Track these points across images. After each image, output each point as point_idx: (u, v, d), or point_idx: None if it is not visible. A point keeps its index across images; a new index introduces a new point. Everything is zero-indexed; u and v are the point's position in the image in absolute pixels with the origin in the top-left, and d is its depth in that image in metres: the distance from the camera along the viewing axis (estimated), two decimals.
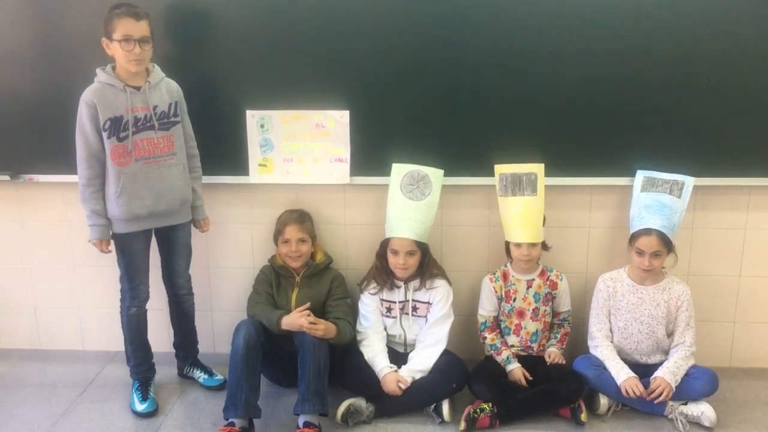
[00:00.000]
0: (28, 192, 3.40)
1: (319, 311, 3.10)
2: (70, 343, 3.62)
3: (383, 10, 3.03)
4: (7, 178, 3.29)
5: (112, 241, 2.96)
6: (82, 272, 3.49)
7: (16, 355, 3.58)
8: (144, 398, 3.07)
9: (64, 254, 3.48)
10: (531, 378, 2.99)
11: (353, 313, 3.17)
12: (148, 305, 3.12)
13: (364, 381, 2.97)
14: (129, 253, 2.98)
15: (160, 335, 3.33)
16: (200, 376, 3.28)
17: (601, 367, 2.96)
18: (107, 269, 3.40)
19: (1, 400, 3.16)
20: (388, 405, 2.93)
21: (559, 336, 3.15)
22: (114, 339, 3.49)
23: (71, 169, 3.16)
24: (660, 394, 2.80)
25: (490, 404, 2.87)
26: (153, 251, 3.10)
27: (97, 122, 2.78)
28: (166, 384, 3.27)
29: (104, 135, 2.79)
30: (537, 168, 3.03)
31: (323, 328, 2.88)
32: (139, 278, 3.03)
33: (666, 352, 3.00)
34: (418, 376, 2.96)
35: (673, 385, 2.82)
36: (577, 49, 3.00)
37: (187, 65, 3.11)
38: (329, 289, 3.17)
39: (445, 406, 2.91)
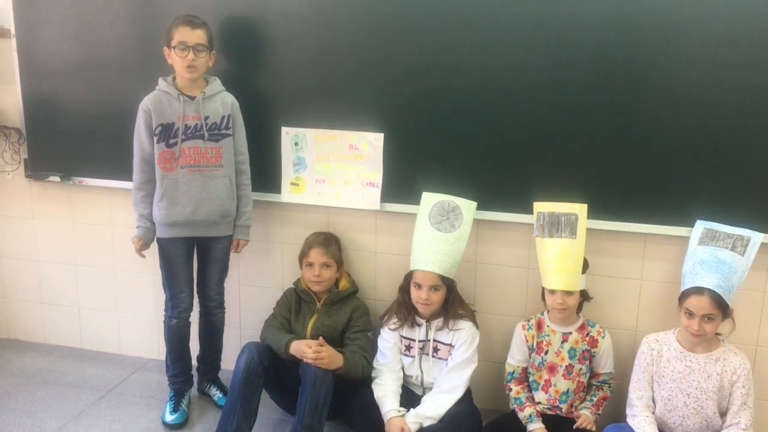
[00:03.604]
0: (79, 194, 3.50)
1: (337, 341, 2.95)
2: (109, 345, 3.68)
3: (425, 32, 2.87)
4: (58, 179, 3.42)
5: (148, 248, 2.99)
6: (124, 277, 3.54)
7: (59, 352, 3.68)
8: (175, 409, 3.06)
9: (109, 257, 3.54)
10: None
11: (373, 347, 2.99)
12: None
13: (370, 421, 2.76)
14: (168, 259, 3.00)
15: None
16: (215, 394, 3.22)
17: None
18: (147, 276, 3.45)
19: (28, 394, 3.25)
20: None
21: (595, 399, 2.80)
22: (148, 346, 3.55)
23: (119, 175, 3.28)
24: None
25: None
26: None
27: (151, 128, 2.87)
28: None
29: (155, 140, 2.87)
30: (578, 208, 2.73)
31: (327, 356, 2.71)
32: (179, 286, 3.02)
33: None
34: (426, 423, 2.71)
35: None
36: (635, 78, 2.69)
37: (227, 78, 3.06)
38: (349, 319, 3.00)
39: None
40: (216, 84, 2.96)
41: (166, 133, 2.87)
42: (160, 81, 2.92)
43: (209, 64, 2.91)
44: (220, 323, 3.22)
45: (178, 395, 3.11)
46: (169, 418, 3.03)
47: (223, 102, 2.95)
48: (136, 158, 2.92)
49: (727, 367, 2.55)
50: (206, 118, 2.89)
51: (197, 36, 2.81)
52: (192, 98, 2.88)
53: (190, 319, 3.11)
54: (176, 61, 2.84)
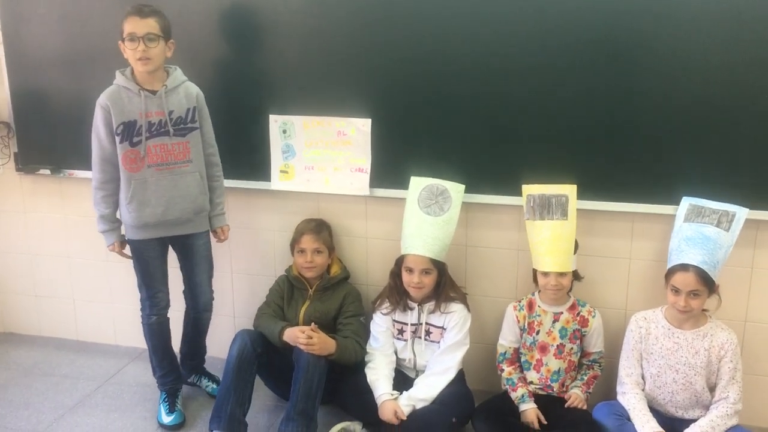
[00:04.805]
0: (70, 186, 3.51)
1: (329, 327, 2.97)
2: (104, 336, 3.70)
3: (411, 18, 2.86)
4: (48, 172, 3.43)
5: (125, 246, 2.92)
6: (117, 267, 3.51)
7: (55, 344, 3.70)
8: (171, 410, 3.00)
9: (102, 248, 3.49)
10: (545, 422, 2.71)
11: (366, 332, 3.01)
12: None
13: (364, 404, 2.80)
14: (143, 261, 2.90)
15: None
16: (208, 385, 3.22)
17: (624, 416, 2.61)
18: None
19: (25, 386, 3.27)
20: None
21: (586, 378, 2.83)
22: (142, 336, 3.55)
23: None
24: None
25: None
26: (173, 259, 3.02)
27: (110, 126, 2.71)
28: None
29: (117, 139, 2.72)
30: (568, 190, 2.75)
31: (318, 342, 2.73)
32: (157, 286, 2.95)
33: (707, 408, 2.61)
34: (419, 405, 2.74)
35: None
36: (621, 60, 2.70)
37: (214, 67, 3.08)
38: (341, 305, 3.02)
39: None
40: (177, 74, 2.81)
41: (128, 132, 2.71)
42: (118, 75, 2.75)
43: (167, 55, 2.73)
44: (207, 325, 3.16)
45: (171, 396, 3.04)
46: (167, 419, 2.97)
47: (186, 93, 2.80)
48: (94, 157, 2.77)
49: (714, 342, 2.58)
50: (170, 112, 2.75)
51: (147, 25, 2.62)
52: (153, 93, 2.73)
53: (168, 315, 3.04)
54: (128, 54, 2.67)
